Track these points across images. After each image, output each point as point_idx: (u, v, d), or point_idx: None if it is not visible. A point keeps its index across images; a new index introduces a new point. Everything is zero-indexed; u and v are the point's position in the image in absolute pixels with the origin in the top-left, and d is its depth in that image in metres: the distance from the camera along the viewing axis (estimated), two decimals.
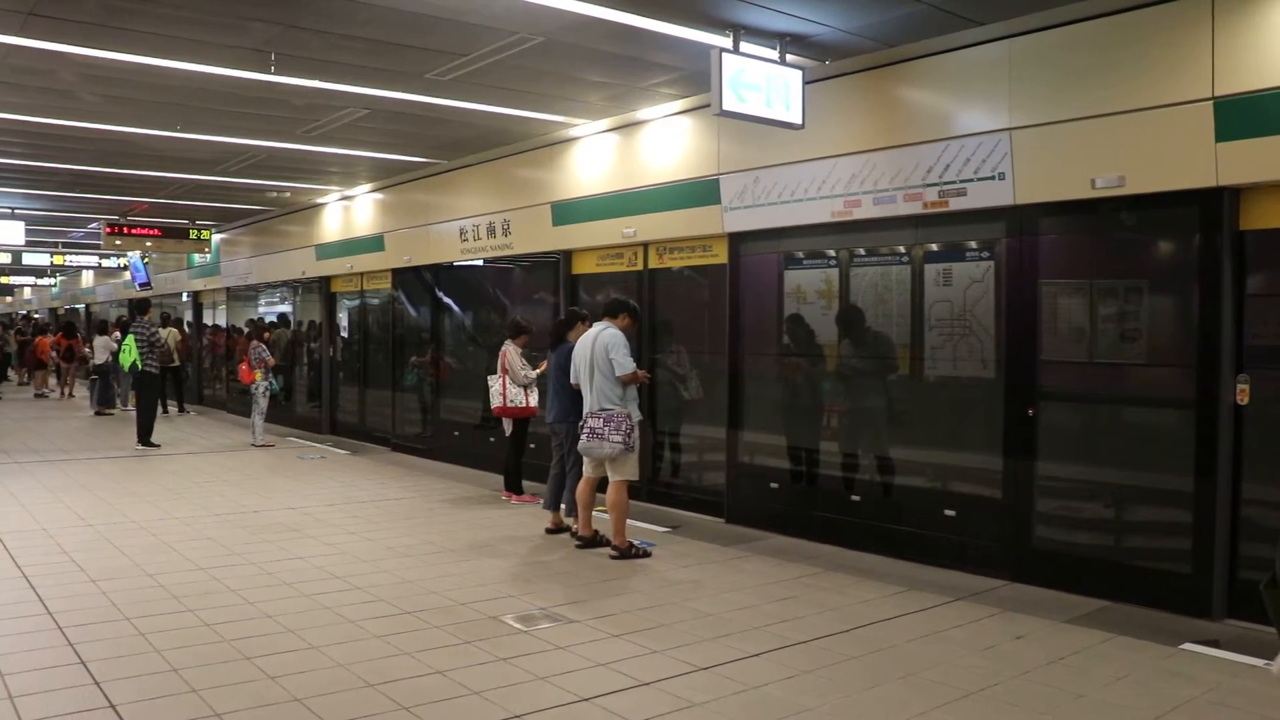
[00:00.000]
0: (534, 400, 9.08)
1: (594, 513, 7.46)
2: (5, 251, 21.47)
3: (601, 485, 7.33)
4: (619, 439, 6.94)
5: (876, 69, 7.10)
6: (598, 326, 7.28)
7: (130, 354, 13.02)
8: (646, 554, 7.15)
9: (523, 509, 8.97)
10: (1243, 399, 5.59)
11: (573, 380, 7.44)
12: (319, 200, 15.31)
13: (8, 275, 32.69)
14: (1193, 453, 5.71)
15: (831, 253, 7.80)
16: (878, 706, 4.35)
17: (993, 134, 6.42)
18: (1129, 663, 4.90)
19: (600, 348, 7.07)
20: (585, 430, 7.08)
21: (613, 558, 7.03)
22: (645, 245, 9.39)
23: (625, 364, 7.02)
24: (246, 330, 17.18)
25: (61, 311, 37.23)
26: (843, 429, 7.85)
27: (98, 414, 17.44)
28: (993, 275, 6.71)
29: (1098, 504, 6.32)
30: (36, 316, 35.05)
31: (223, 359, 20.12)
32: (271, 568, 6.64)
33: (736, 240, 8.39)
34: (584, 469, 7.37)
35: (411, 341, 13.71)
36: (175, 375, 18.22)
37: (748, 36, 6.52)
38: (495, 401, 9.08)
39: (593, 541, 7.33)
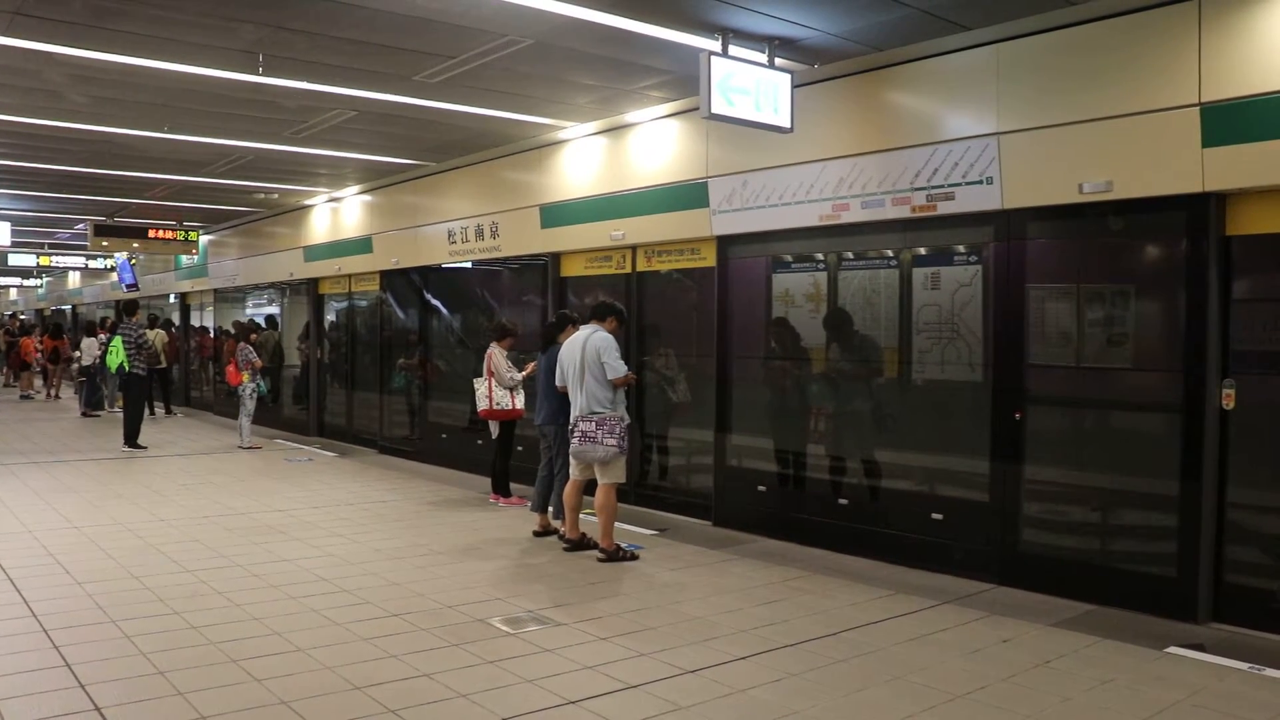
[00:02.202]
0: (520, 403, 9.06)
1: (581, 515, 7.45)
2: None
3: (589, 488, 7.33)
4: (613, 442, 6.94)
5: (865, 73, 7.13)
6: (586, 329, 7.27)
7: (117, 356, 12.98)
8: (634, 556, 7.15)
9: (510, 511, 8.96)
10: (1228, 403, 5.62)
11: (558, 383, 7.43)
12: (307, 202, 15.27)
13: None
14: (1178, 457, 5.74)
15: (820, 256, 7.81)
16: (865, 709, 4.36)
17: (981, 138, 6.45)
18: (1114, 666, 4.93)
19: (592, 351, 7.06)
20: (576, 434, 7.05)
21: (600, 560, 7.03)
22: (634, 248, 9.39)
23: (618, 367, 7.01)
24: (234, 332, 17.12)
25: (48, 312, 37.05)
26: (830, 432, 7.86)
27: (84, 415, 17.35)
28: (980, 279, 6.73)
29: (1084, 508, 6.34)
30: (23, 318, 34.88)
31: (210, 361, 20.05)
32: (258, 570, 6.62)
33: (725, 243, 8.40)
34: (571, 472, 7.36)
35: (399, 343, 13.68)
36: (162, 377, 18.16)
37: (737, 40, 6.53)
38: (481, 404, 9.06)
39: (580, 544, 7.32)
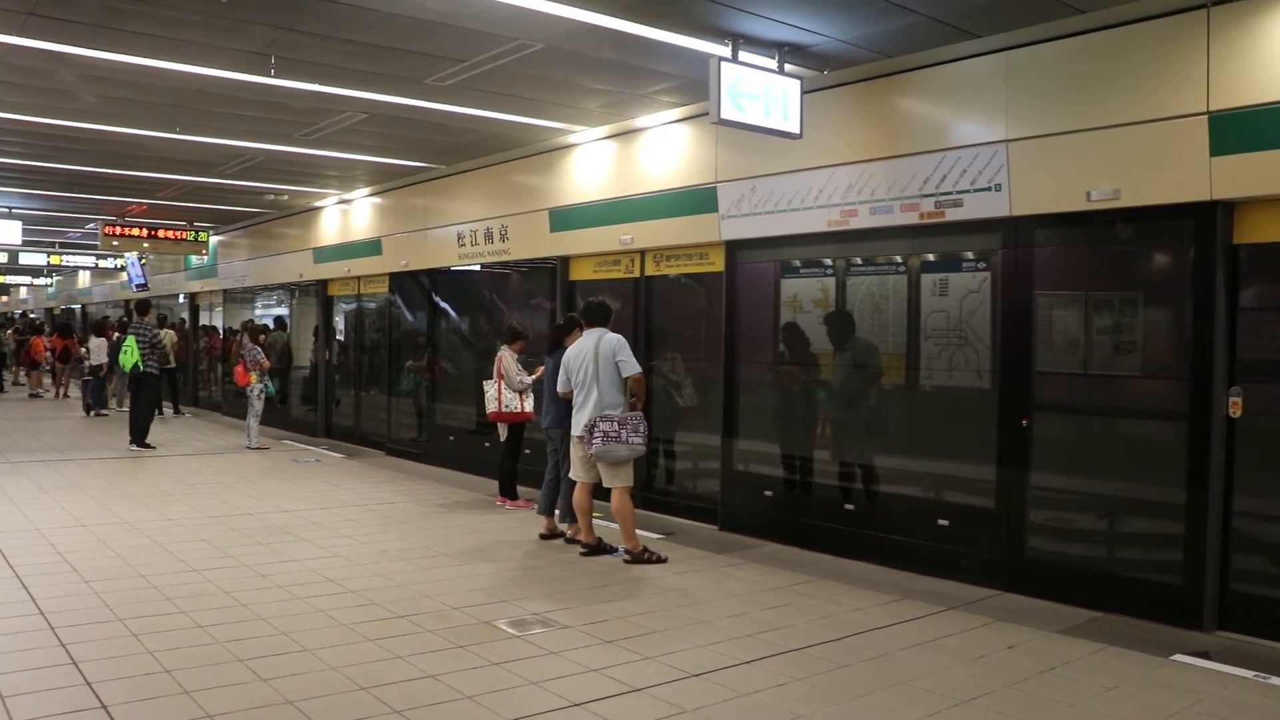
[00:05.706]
0: (529, 405, 9.07)
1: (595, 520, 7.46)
2: (2, 251, 21.42)
3: (597, 491, 7.34)
4: (639, 440, 6.97)
5: (874, 79, 7.14)
6: (595, 333, 7.26)
7: (131, 355, 13.02)
8: (662, 559, 7.19)
9: (517, 514, 8.97)
10: (1235, 412, 5.61)
11: (560, 389, 7.45)
12: (317, 204, 15.32)
13: (4, 275, 32.67)
14: (1185, 465, 5.73)
15: (828, 262, 7.82)
16: (869, 714, 4.36)
17: (989, 145, 6.45)
18: (1120, 673, 4.92)
19: (606, 352, 7.06)
20: (597, 435, 6.97)
21: (627, 562, 7.06)
22: (642, 252, 9.41)
23: (634, 364, 7.06)
24: (242, 332, 17.16)
25: (58, 311, 37.19)
26: (837, 438, 7.86)
27: (94, 414, 17.39)
28: (988, 286, 6.73)
29: (1090, 515, 6.34)
30: (33, 316, 35.00)
31: (218, 361, 20.10)
32: (265, 570, 6.64)
33: (733, 248, 8.41)
34: (578, 475, 7.35)
35: (408, 345, 13.71)
36: (170, 376, 18.21)
37: (747, 46, 6.55)
38: (490, 406, 9.07)
39: (599, 548, 7.32)
